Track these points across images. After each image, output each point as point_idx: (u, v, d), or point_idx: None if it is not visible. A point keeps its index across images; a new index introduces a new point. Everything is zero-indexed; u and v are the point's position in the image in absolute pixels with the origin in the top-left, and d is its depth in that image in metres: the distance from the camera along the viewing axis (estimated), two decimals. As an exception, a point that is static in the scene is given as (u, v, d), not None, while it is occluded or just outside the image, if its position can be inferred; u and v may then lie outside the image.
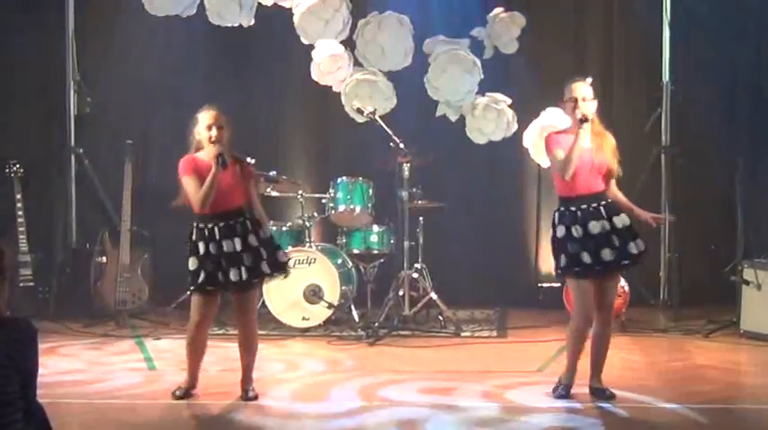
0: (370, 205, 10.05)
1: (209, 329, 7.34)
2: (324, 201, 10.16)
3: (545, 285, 10.65)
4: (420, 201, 9.97)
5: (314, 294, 9.61)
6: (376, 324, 9.44)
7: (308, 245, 9.85)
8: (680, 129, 10.71)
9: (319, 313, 9.62)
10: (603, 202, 6.94)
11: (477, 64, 10.59)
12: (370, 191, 10.07)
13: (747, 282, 9.28)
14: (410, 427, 6.51)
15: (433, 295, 9.73)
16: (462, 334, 9.51)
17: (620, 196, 7.14)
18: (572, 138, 6.92)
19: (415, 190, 9.88)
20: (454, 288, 10.26)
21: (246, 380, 7.23)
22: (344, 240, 10.23)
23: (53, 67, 10.86)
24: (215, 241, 6.93)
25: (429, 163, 9.81)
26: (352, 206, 10.01)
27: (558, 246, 6.98)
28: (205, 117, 7.05)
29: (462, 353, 8.81)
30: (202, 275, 6.92)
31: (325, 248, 9.98)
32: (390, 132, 9.49)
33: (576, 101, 6.95)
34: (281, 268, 7.20)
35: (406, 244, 9.76)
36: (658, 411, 6.84)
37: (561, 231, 6.94)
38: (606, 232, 6.87)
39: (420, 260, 10.03)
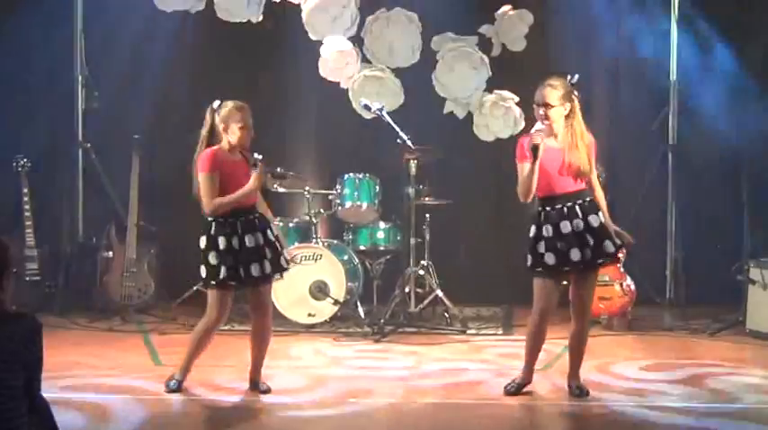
0: (376, 201, 10.05)
1: None
2: (330, 197, 10.16)
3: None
4: (427, 198, 9.97)
5: (320, 290, 9.61)
6: (382, 321, 9.42)
7: (314, 241, 9.85)
8: (687, 128, 10.69)
9: (325, 309, 9.62)
10: (580, 201, 6.90)
11: (484, 61, 10.61)
12: (377, 187, 10.07)
13: (753, 282, 9.27)
14: (408, 424, 6.53)
15: (439, 292, 9.73)
16: (468, 331, 9.51)
17: (598, 197, 7.05)
18: (546, 144, 6.86)
19: (421, 187, 9.88)
20: (460, 285, 10.25)
21: (256, 371, 7.26)
22: (351, 236, 10.23)
23: (61, 62, 10.86)
24: (237, 235, 6.89)
25: (436, 152, 9.78)
26: (358, 202, 10.02)
27: (528, 244, 7.01)
28: (242, 115, 6.98)
29: (468, 350, 8.80)
30: (223, 271, 6.86)
31: (331, 244, 9.98)
32: (398, 129, 9.48)
33: (538, 107, 6.95)
34: (287, 265, 7.23)
35: (412, 241, 9.76)
36: (663, 410, 6.84)
37: (532, 231, 6.99)
38: (579, 232, 6.86)
39: (426, 257, 10.03)
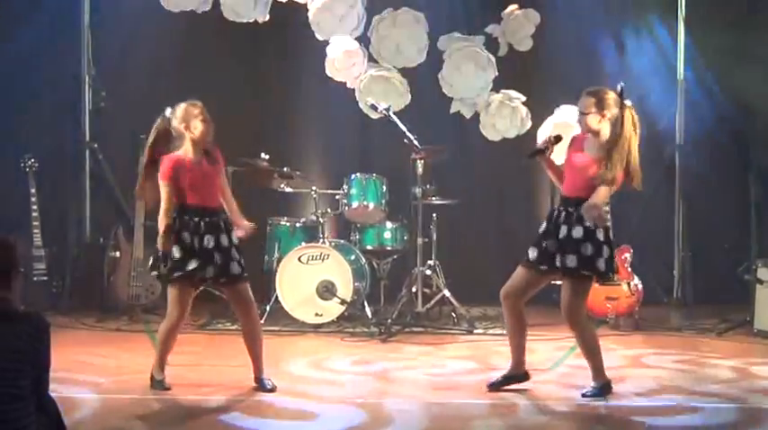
0: (383, 201, 10.05)
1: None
2: (337, 197, 10.16)
3: (559, 283, 10.56)
4: (433, 198, 9.97)
5: (327, 290, 9.61)
6: (389, 320, 9.43)
7: (321, 241, 9.85)
8: (694, 128, 10.68)
9: (332, 309, 9.62)
10: (571, 209, 6.88)
11: (491, 61, 10.60)
12: (384, 187, 10.06)
13: (761, 281, 9.25)
14: (414, 423, 6.53)
15: (446, 292, 9.73)
16: (475, 331, 9.50)
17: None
18: (585, 143, 6.97)
19: (428, 186, 9.88)
20: (467, 285, 10.25)
21: (258, 370, 7.27)
22: (358, 236, 10.23)
23: (68, 62, 10.87)
24: (199, 235, 6.98)
25: (443, 152, 9.78)
26: (365, 202, 10.01)
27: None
28: (201, 110, 7.08)
29: (475, 350, 8.80)
30: (193, 263, 6.94)
31: (338, 244, 9.98)
32: (404, 129, 9.48)
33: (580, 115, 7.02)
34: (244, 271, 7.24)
35: (419, 240, 9.77)
36: (671, 409, 6.83)
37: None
38: (563, 238, 6.86)
39: (433, 257, 10.02)
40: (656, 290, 10.36)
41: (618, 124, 6.87)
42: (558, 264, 6.88)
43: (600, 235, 6.85)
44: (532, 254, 7.00)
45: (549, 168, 7.21)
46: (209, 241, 6.99)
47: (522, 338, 7.27)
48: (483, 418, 6.64)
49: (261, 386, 7.21)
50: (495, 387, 7.20)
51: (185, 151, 7.03)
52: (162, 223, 6.96)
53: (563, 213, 6.91)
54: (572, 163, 6.98)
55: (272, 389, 7.18)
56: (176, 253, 6.95)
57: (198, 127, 7.02)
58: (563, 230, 6.86)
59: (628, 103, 6.93)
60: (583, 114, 6.93)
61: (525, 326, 7.28)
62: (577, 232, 6.82)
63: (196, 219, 7.00)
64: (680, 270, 10.64)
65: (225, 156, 7.38)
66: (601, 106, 6.88)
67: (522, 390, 7.21)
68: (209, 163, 7.11)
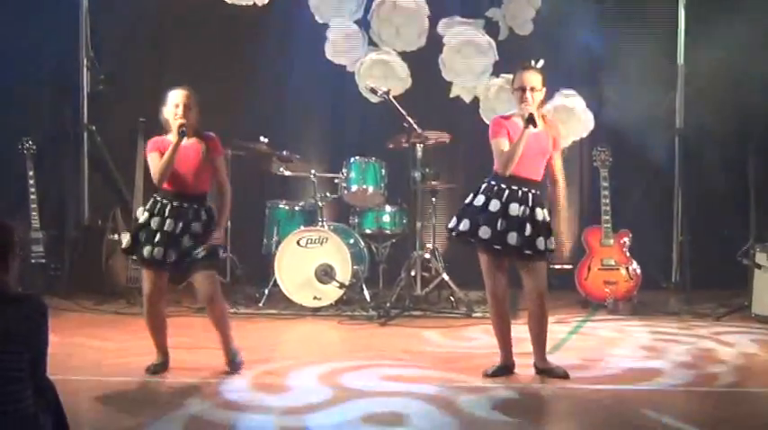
0: (382, 185, 10.05)
1: (163, 302, 7.35)
2: (336, 180, 10.15)
3: (556, 267, 10.57)
4: (433, 182, 9.96)
5: (325, 274, 9.61)
6: (387, 304, 9.44)
7: (320, 224, 9.85)
8: (694, 112, 10.66)
9: (331, 293, 9.62)
10: (535, 191, 6.93)
11: (491, 45, 10.59)
12: (383, 171, 10.06)
13: (759, 266, 9.26)
14: (411, 406, 6.52)
15: (445, 276, 9.72)
16: (474, 315, 9.50)
17: (557, 189, 7.07)
18: (518, 125, 6.90)
19: (427, 170, 9.88)
20: (466, 269, 10.21)
21: (227, 352, 7.29)
22: (357, 220, 10.23)
23: (66, 44, 10.85)
24: (162, 217, 7.01)
25: (442, 136, 9.76)
26: (364, 186, 10.02)
27: (465, 210, 7.01)
28: (172, 96, 7.13)
29: (473, 334, 8.80)
30: (127, 240, 7.10)
31: (337, 228, 9.98)
32: (404, 112, 9.46)
33: (523, 91, 6.90)
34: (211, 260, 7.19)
35: (418, 224, 9.76)
36: (667, 394, 6.82)
37: (479, 200, 6.97)
38: (522, 218, 6.85)
39: (432, 241, 10.02)
40: (654, 274, 10.36)
41: (543, 100, 7.03)
42: (513, 241, 6.85)
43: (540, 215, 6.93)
44: (485, 234, 6.88)
45: (525, 132, 6.92)
46: (170, 225, 7.00)
47: (510, 330, 7.28)
48: (477, 401, 6.63)
49: (231, 366, 7.24)
50: (489, 376, 7.19)
51: (171, 136, 7.12)
52: (165, 158, 6.97)
53: (530, 196, 6.91)
54: (533, 146, 6.91)
55: (240, 364, 7.23)
56: (133, 229, 7.14)
57: (170, 111, 7.11)
58: (525, 211, 6.87)
59: None
60: (535, 89, 6.89)
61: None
62: (540, 214, 6.90)
63: (164, 201, 7.06)
64: (678, 254, 10.63)
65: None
66: (544, 83, 6.94)
67: (522, 374, 7.22)
68: (200, 152, 7.10)
